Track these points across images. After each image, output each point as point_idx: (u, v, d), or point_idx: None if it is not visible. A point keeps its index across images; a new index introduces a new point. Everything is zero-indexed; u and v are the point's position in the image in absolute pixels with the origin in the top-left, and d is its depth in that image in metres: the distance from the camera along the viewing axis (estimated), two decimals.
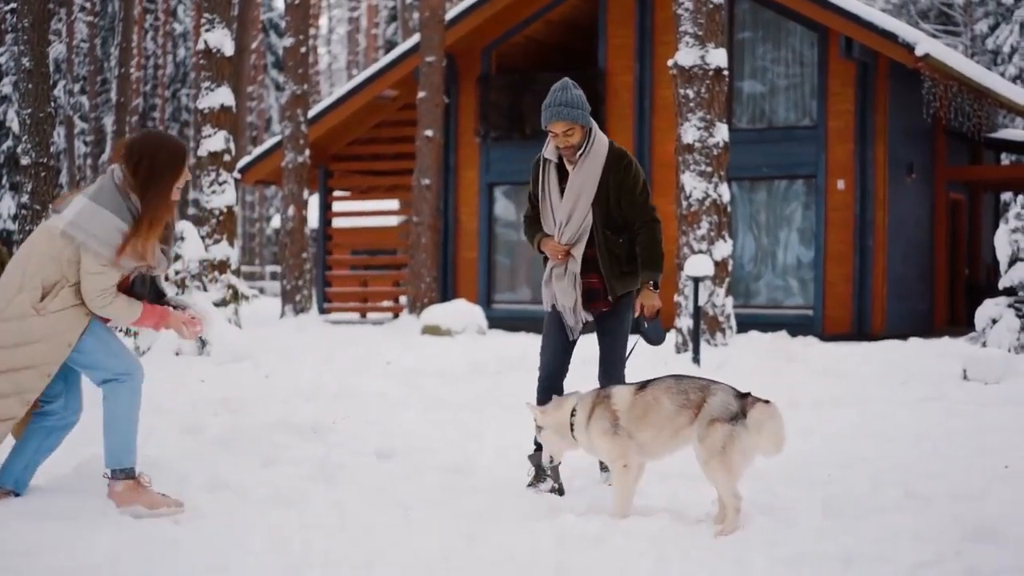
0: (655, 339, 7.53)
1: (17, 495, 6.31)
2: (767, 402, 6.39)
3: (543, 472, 7.28)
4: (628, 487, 6.49)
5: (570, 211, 7.29)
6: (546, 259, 7.53)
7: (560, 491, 7.23)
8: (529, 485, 7.29)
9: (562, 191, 7.34)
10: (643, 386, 6.60)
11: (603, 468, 7.46)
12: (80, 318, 6.19)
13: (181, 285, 15.37)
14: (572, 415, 6.69)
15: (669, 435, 6.44)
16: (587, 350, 8.03)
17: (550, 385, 7.40)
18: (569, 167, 7.33)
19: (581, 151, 7.26)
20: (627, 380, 7.21)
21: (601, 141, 7.33)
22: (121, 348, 6.38)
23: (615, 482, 6.54)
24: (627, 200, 7.32)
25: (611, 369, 7.45)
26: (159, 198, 6.25)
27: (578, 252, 7.32)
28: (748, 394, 6.41)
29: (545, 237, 7.46)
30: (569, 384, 7.40)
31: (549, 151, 7.40)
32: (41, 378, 6.15)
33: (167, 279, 6.27)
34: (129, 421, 6.29)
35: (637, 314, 7.44)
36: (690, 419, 6.34)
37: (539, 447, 7.13)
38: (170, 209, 6.36)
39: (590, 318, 7.44)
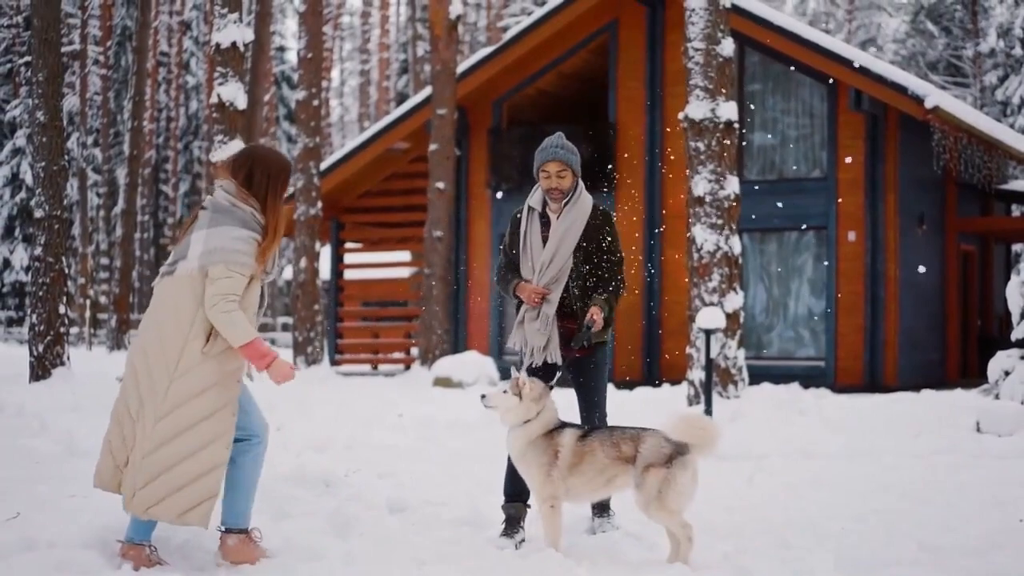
0: (581, 340, 7.47)
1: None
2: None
3: (517, 523, 7.43)
4: (558, 524, 6.82)
5: (552, 254, 7.51)
6: (519, 304, 7.70)
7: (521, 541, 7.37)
8: (502, 535, 7.38)
9: (544, 239, 7.57)
10: (586, 434, 6.87)
11: (593, 515, 7.65)
12: (240, 356, 6.29)
13: None
14: (531, 419, 6.92)
15: (602, 483, 6.77)
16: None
17: None
18: (552, 216, 7.59)
19: (567, 200, 7.53)
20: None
21: (586, 196, 7.65)
22: (254, 408, 6.49)
23: (544, 521, 6.84)
24: (606, 260, 7.58)
25: (593, 419, 7.62)
26: (279, 205, 6.41)
27: (554, 296, 7.51)
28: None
29: (522, 282, 7.62)
30: None
31: (534, 199, 7.66)
32: (230, 417, 6.24)
33: None
34: (252, 484, 6.45)
35: (587, 319, 7.43)
36: (624, 469, 6.64)
37: (511, 498, 7.42)
38: (284, 215, 6.51)
39: (559, 360, 7.52)
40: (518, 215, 7.75)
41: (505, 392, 6.98)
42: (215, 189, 6.44)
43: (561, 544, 6.78)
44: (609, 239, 7.61)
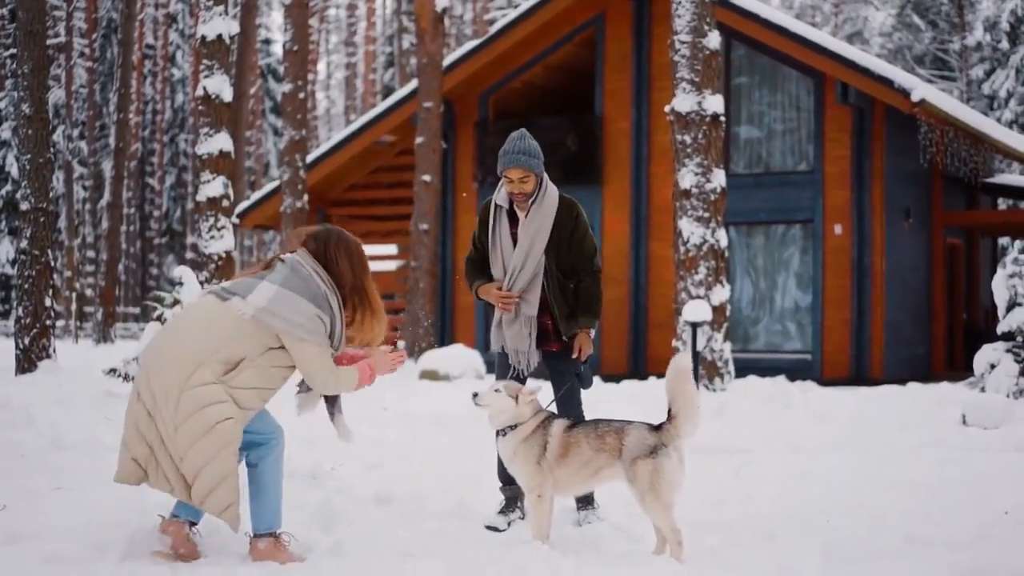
0: (587, 383, 7.78)
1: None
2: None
3: (514, 504, 7.59)
4: (545, 515, 6.82)
5: (524, 259, 7.56)
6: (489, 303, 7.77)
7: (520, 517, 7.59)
8: (497, 514, 7.57)
9: (513, 236, 7.61)
10: (572, 426, 6.89)
11: (578, 507, 7.70)
12: (257, 401, 6.21)
13: None
14: (519, 424, 6.89)
15: (588, 475, 6.79)
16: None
17: None
18: (520, 214, 7.61)
19: (533, 199, 7.55)
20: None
21: (552, 191, 7.64)
22: (266, 411, 6.43)
23: (531, 512, 6.86)
24: (576, 250, 7.64)
25: (569, 410, 7.66)
26: (370, 293, 6.54)
27: (533, 297, 7.57)
28: (662, 424, 6.63)
29: (485, 285, 7.69)
30: None
31: (501, 197, 7.68)
32: (236, 427, 6.10)
33: None
34: (277, 487, 6.38)
35: (575, 356, 7.64)
36: (608, 461, 6.66)
37: (508, 481, 7.50)
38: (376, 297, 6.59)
39: (539, 360, 7.71)
40: (487, 207, 7.75)
41: (498, 391, 6.93)
42: (295, 253, 6.44)
43: (546, 536, 6.78)
44: (579, 231, 7.64)
